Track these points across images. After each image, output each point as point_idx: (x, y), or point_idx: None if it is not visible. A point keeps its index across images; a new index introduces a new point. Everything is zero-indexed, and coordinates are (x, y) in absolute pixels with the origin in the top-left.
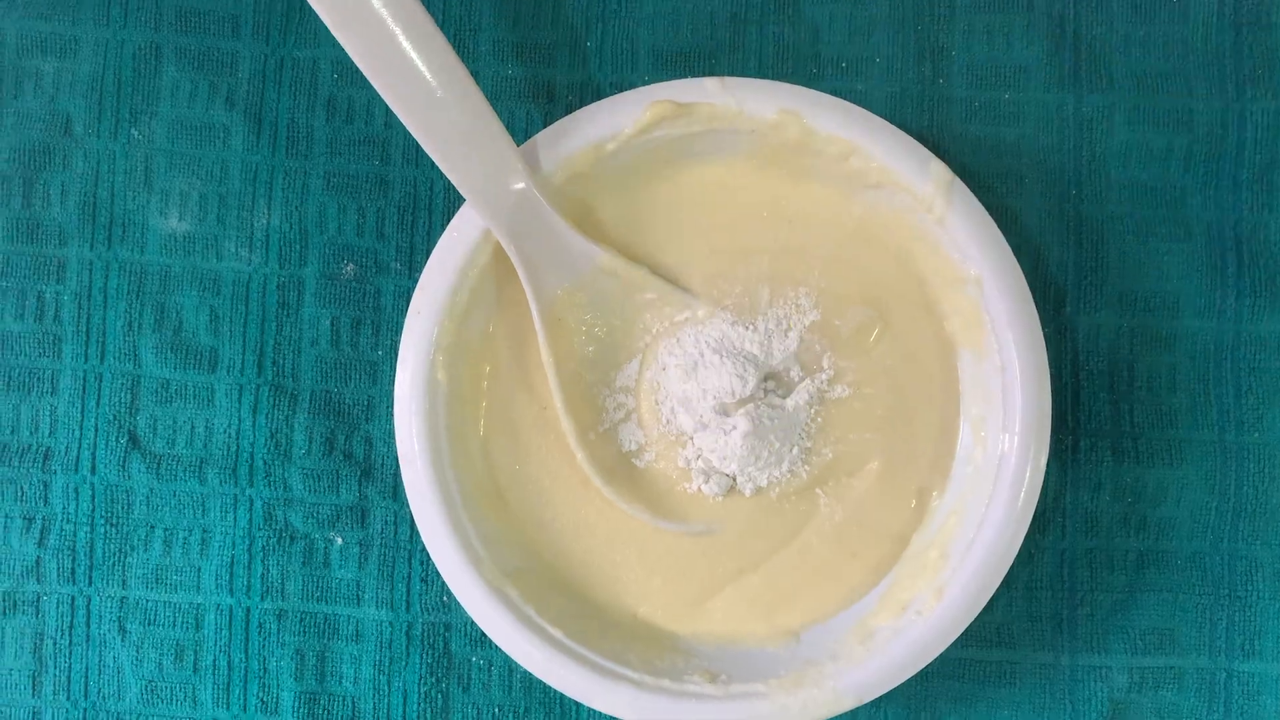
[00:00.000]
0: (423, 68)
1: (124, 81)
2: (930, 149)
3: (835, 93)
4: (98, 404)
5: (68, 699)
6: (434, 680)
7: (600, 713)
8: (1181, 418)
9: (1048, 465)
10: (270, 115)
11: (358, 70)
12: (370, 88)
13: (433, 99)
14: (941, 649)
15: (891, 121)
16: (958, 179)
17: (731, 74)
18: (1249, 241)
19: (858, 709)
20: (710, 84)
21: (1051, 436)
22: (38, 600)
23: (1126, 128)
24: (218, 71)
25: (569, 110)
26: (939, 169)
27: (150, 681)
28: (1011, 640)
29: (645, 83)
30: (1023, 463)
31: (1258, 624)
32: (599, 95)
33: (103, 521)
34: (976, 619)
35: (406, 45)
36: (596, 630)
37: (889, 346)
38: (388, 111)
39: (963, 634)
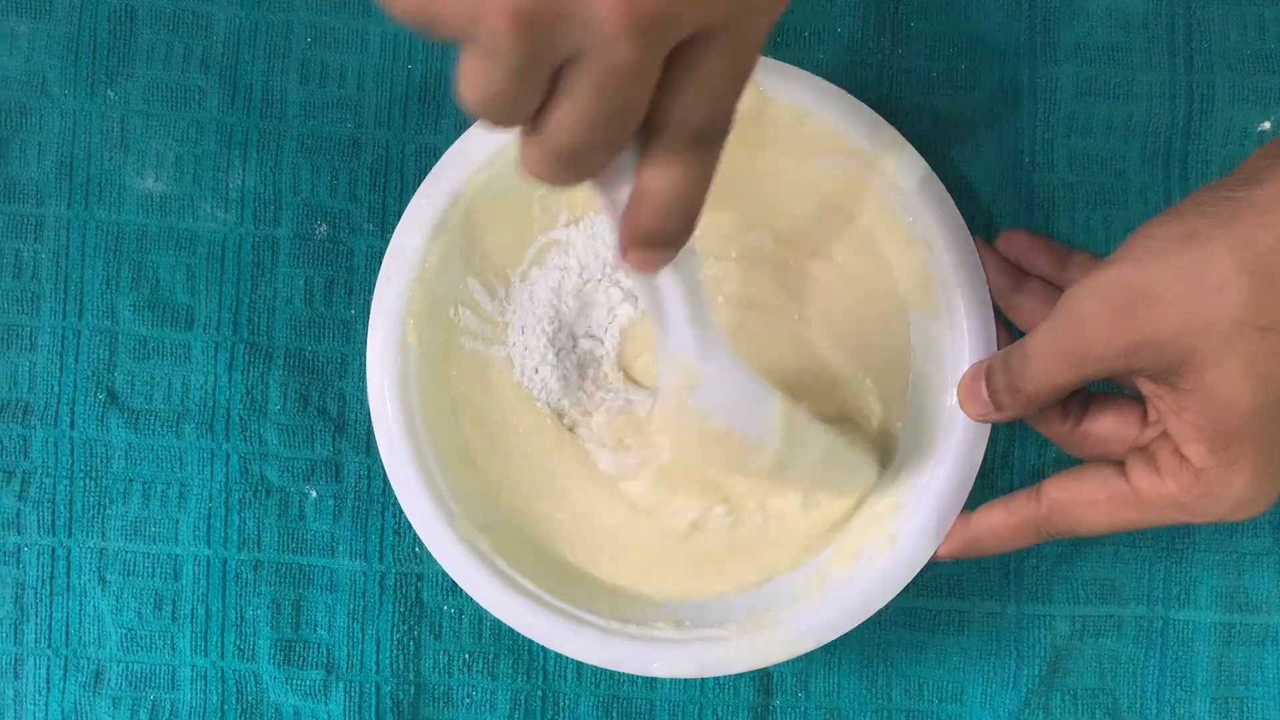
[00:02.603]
0: None
1: (99, 43)
2: (888, 118)
3: (797, 62)
4: (76, 360)
5: (49, 646)
6: (406, 628)
7: (565, 658)
8: None
9: (996, 433)
10: (245, 78)
11: (331, 34)
12: (344, 51)
13: None
14: (894, 593)
15: (851, 91)
16: (908, 144)
17: None
18: None
19: (814, 658)
20: None
21: None
22: (18, 551)
23: (1076, 98)
24: (192, 34)
25: None
26: (890, 134)
27: (130, 630)
28: (961, 590)
29: None
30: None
31: (1193, 575)
32: None
33: (82, 475)
34: (928, 570)
35: None
36: (565, 583)
37: (844, 305)
38: (360, 75)
39: (914, 584)
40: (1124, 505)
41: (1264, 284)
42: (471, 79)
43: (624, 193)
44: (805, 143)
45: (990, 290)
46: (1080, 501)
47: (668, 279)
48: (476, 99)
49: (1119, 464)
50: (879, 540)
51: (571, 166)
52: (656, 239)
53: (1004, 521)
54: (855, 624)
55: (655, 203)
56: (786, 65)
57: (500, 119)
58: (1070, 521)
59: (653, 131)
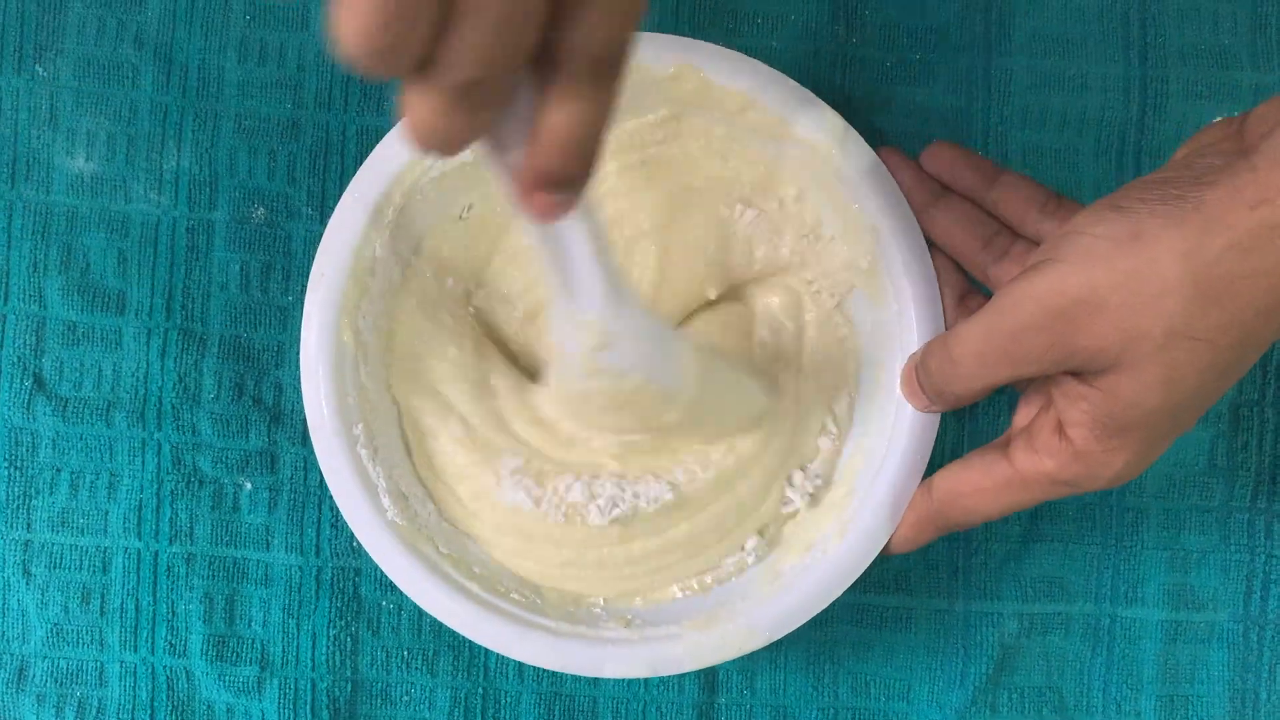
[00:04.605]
0: None
1: (28, 16)
2: (842, 109)
3: (751, 49)
4: (1, 345)
5: None
6: (343, 624)
7: (504, 655)
8: None
9: (947, 420)
10: (180, 55)
11: (270, 11)
12: (283, 29)
13: None
14: (846, 584)
15: (805, 80)
16: (851, 129)
17: (648, 29)
18: None
19: (760, 655)
20: None
21: None
22: None
23: (1030, 91)
24: (125, 9)
25: None
26: (833, 119)
27: (56, 625)
28: (908, 587)
29: None
30: None
31: (1140, 572)
32: None
33: (6, 464)
34: (876, 567)
35: None
36: (511, 586)
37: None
38: (300, 53)
39: (862, 581)
40: (1008, 488)
41: (1204, 296)
42: (352, 10)
43: (518, 141)
44: (752, 129)
45: (908, 200)
46: (967, 491)
47: (572, 228)
48: (359, 32)
49: (1004, 447)
50: (830, 531)
51: (471, 104)
52: (559, 179)
53: (904, 520)
54: (809, 617)
55: (556, 140)
56: (728, 50)
57: (389, 55)
58: (963, 511)
59: (550, 66)
